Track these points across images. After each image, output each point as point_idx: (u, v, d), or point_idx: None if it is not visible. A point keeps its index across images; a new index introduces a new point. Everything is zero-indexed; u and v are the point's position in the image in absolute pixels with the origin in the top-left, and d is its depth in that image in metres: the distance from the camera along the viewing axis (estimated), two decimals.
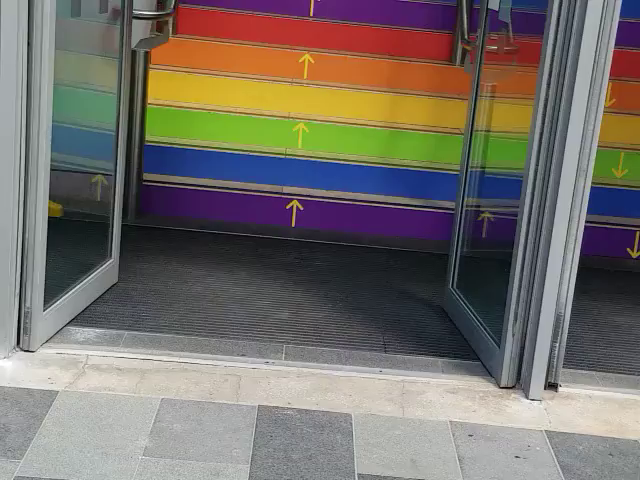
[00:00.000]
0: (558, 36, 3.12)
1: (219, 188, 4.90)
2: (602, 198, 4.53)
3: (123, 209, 3.98)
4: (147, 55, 4.70)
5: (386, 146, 5.16)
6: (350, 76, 5.45)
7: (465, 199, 3.98)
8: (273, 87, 5.34)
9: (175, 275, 4.13)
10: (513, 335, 3.30)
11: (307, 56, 5.48)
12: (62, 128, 3.29)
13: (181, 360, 3.34)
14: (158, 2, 5.42)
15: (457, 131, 4.98)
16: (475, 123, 3.96)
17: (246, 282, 4.15)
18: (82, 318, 3.58)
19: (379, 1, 5.75)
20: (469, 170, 3.98)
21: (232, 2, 5.69)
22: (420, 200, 4.96)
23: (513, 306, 3.29)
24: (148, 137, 4.80)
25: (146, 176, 4.80)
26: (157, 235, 4.61)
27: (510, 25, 3.77)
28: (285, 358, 3.44)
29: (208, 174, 4.95)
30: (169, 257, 4.33)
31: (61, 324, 3.47)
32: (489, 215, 4.06)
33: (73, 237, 3.72)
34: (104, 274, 3.82)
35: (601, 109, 3.11)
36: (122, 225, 3.94)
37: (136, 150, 4.70)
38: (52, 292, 3.37)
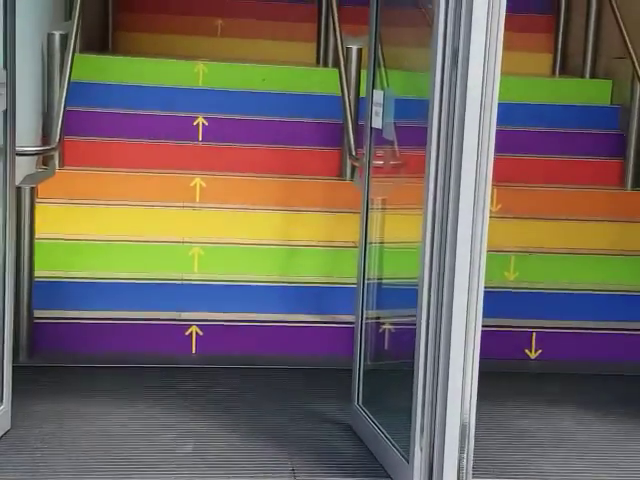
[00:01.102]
0: (440, 149, 3.17)
1: (115, 320, 4.80)
2: (497, 302, 4.57)
3: (14, 350, 3.85)
4: (33, 190, 4.63)
5: (282, 264, 5.15)
6: (242, 197, 5.46)
7: (364, 312, 3.97)
8: (165, 213, 5.30)
9: (73, 415, 3.98)
10: (421, 449, 3.26)
11: (198, 180, 5.48)
12: None
13: None
14: (43, 136, 5.41)
15: (351, 244, 5.00)
16: (368, 236, 3.98)
17: (148, 415, 4.02)
18: None
19: (267, 122, 5.82)
20: (366, 283, 3.98)
21: (119, 132, 5.68)
22: (320, 316, 4.94)
23: (419, 419, 3.25)
24: (38, 273, 4.70)
25: (37, 313, 4.67)
26: (52, 374, 4.45)
27: (395, 140, 3.84)
28: None
29: (102, 306, 4.85)
30: (66, 396, 4.18)
31: None
32: (390, 327, 4.05)
33: None
34: None
35: (487, 214, 3.15)
36: (13, 367, 3.79)
37: (25, 287, 4.58)
38: None
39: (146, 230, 5.22)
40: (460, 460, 3.22)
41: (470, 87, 3.07)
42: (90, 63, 5.91)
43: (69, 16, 5.58)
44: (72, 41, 5.24)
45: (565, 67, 7.15)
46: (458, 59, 3.09)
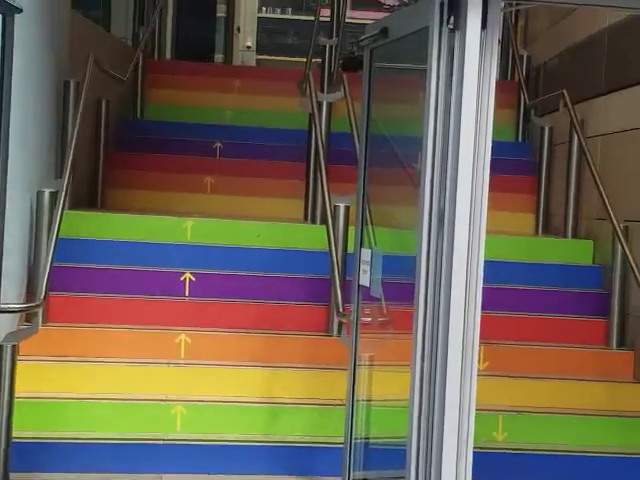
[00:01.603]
0: (427, 308, 3.18)
1: None
2: (486, 463, 4.48)
3: None
4: (15, 347, 4.57)
5: (268, 423, 5.07)
6: (227, 353, 5.42)
7: (352, 474, 3.90)
8: (149, 370, 5.25)
9: None
10: None
11: (183, 336, 5.46)
12: None
13: None
14: (28, 292, 5.40)
15: (338, 402, 4.94)
16: (356, 394, 3.95)
17: None
18: None
19: (253, 278, 5.85)
20: (353, 443, 3.92)
21: (104, 287, 5.68)
22: (306, 478, 4.82)
23: None
24: (16, 433, 4.57)
25: (13, 476, 4.51)
26: None
27: (382, 297, 3.86)
28: None
29: (81, 469, 4.71)
30: None
31: None
32: None
33: None
34: None
35: (475, 373, 3.13)
36: None
37: (2, 449, 4.44)
38: None
39: (129, 388, 5.15)
40: None
41: (456, 246, 3.10)
42: (79, 219, 5.97)
43: (59, 174, 5.67)
44: (62, 199, 5.30)
45: (547, 227, 7.28)
46: (444, 219, 3.14)
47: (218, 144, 7.51)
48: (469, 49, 3.03)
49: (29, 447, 4.72)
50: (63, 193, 5.33)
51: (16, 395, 4.58)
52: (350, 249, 4.66)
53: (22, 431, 4.69)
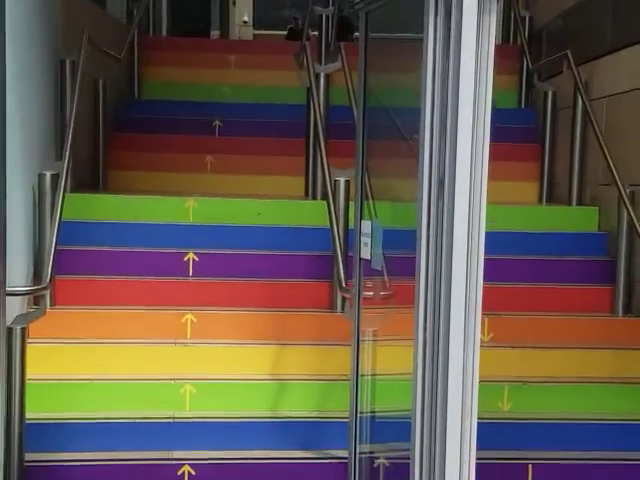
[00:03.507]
0: (429, 279, 3.17)
1: (107, 461, 4.70)
2: (491, 433, 4.50)
3: None
4: (24, 330, 4.60)
5: (274, 399, 5.09)
6: (233, 332, 5.43)
7: (358, 447, 3.91)
8: (156, 350, 5.27)
9: None
10: None
11: (189, 316, 5.47)
12: None
13: None
14: (34, 275, 5.41)
15: (343, 377, 4.95)
16: (360, 368, 3.95)
17: None
18: None
19: (257, 256, 5.85)
20: (359, 417, 3.93)
21: (110, 269, 5.70)
22: (313, 452, 4.84)
23: None
24: (29, 415, 4.62)
25: (28, 456, 4.57)
26: None
27: (384, 270, 3.85)
28: None
29: (94, 448, 4.76)
30: None
31: None
32: (384, 461, 3.98)
33: None
34: None
35: (478, 344, 3.13)
36: None
37: (16, 430, 4.49)
38: None
39: (137, 368, 5.17)
40: None
41: (457, 217, 3.09)
42: (81, 202, 5.98)
43: (60, 156, 5.66)
44: (63, 181, 5.30)
45: (552, 195, 7.25)
46: (444, 190, 3.12)
47: (217, 122, 7.50)
48: (467, 11, 2.91)
49: (42, 428, 4.74)
50: (64, 175, 5.33)
51: (27, 378, 4.62)
52: (351, 225, 4.66)
53: (34, 412, 4.73)
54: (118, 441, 4.81)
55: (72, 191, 5.98)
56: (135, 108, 7.81)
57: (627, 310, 5.88)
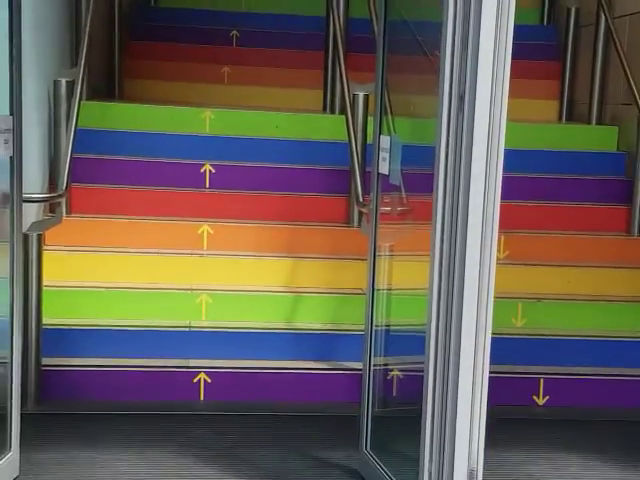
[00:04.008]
0: (447, 195, 3.17)
1: (122, 367, 4.77)
2: (504, 348, 4.55)
3: (22, 397, 3.83)
4: (40, 237, 4.64)
5: (290, 311, 5.14)
6: (249, 244, 5.46)
7: (372, 359, 3.95)
8: (173, 260, 5.31)
9: (81, 462, 3.96)
10: None
11: (206, 227, 5.49)
12: None
13: None
14: (50, 183, 5.43)
15: (359, 291, 4.99)
16: (376, 282, 3.97)
17: (158, 463, 3.99)
18: None
19: (274, 169, 5.85)
20: (374, 329, 3.97)
21: (126, 179, 5.71)
22: (327, 363, 4.91)
23: (426, 465, 3.22)
24: (45, 320, 4.69)
25: (45, 361, 4.66)
26: (60, 421, 4.43)
27: (402, 186, 3.84)
28: None
29: (110, 354, 4.83)
30: (74, 444, 4.15)
31: None
32: (398, 373, 4.03)
33: None
34: (3, 469, 3.64)
35: (494, 261, 3.14)
36: (21, 414, 3.78)
37: (33, 335, 4.57)
38: None
39: (154, 277, 5.22)
40: None
41: (476, 133, 3.08)
42: (97, 110, 5.96)
43: (75, 63, 5.63)
44: (78, 88, 5.28)
45: (571, 114, 7.19)
46: (464, 105, 3.10)
47: (234, 32, 7.42)
48: None
49: (59, 333, 4.81)
50: (79, 82, 5.31)
51: (44, 284, 4.67)
52: (370, 140, 4.64)
53: (51, 318, 4.80)
54: (134, 348, 4.88)
55: (87, 99, 5.95)
56: (152, 15, 7.72)
57: None
